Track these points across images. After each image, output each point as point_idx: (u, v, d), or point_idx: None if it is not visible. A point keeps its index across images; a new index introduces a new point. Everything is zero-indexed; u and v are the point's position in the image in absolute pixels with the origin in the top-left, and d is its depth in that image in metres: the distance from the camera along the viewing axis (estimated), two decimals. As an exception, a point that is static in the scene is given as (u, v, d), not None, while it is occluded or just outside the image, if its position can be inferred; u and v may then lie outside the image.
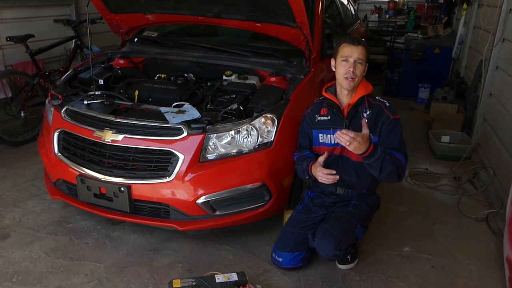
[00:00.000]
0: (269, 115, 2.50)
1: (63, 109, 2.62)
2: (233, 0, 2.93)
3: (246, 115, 2.63)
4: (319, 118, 2.46)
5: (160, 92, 2.85)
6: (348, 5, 5.31)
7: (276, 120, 2.50)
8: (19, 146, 4.18)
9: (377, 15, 8.13)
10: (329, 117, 2.43)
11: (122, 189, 2.38)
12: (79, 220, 2.93)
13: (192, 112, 2.48)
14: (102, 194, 2.45)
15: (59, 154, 2.60)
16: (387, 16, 8.21)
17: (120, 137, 2.39)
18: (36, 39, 4.30)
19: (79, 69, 3.22)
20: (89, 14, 2.80)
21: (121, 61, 3.36)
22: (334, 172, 2.27)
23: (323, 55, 3.32)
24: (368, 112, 2.36)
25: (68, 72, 3.16)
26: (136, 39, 3.63)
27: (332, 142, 2.39)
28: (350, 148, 2.14)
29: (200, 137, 2.38)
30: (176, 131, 2.37)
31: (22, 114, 4.16)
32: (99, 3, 3.24)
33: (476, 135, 4.30)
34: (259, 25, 3.04)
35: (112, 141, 2.40)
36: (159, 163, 2.38)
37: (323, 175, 2.27)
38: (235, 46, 3.26)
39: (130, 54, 3.44)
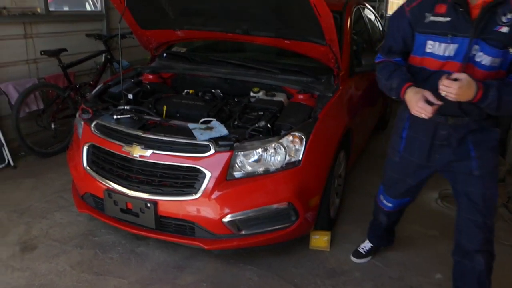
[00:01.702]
0: (297, 134, 2.47)
1: (93, 123, 2.65)
2: (262, 17, 2.93)
3: (274, 132, 2.61)
4: (432, 18, 1.83)
5: (187, 108, 2.86)
6: (375, 21, 5.26)
7: (304, 139, 2.47)
8: (49, 157, 4.26)
9: (404, 31, 8.03)
10: (448, 18, 1.80)
11: (149, 205, 2.37)
12: (105, 234, 2.94)
13: (219, 129, 2.47)
14: (129, 209, 2.45)
15: (88, 167, 2.62)
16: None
17: (148, 152, 2.39)
18: (68, 53, 4.41)
19: (109, 83, 3.27)
20: (120, 29, 2.85)
21: (150, 76, 3.40)
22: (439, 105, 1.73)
23: (352, 72, 3.28)
24: (510, 17, 1.72)
25: (99, 86, 3.21)
26: (165, 55, 3.67)
27: (446, 54, 1.80)
28: (450, 97, 1.68)
29: (227, 154, 2.36)
30: (204, 148, 2.36)
31: (53, 126, 4.25)
32: (130, 19, 3.30)
33: (510, 157, 4.15)
34: (288, 42, 3.03)
35: (140, 156, 2.40)
36: (186, 180, 2.37)
37: (425, 110, 1.73)
38: (263, 63, 3.26)
39: (159, 69, 3.48)
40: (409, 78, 1.88)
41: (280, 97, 2.97)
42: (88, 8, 5.38)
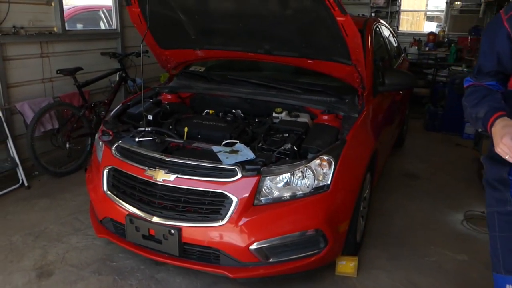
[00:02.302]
0: (325, 157, 2.38)
1: (114, 146, 2.58)
2: (286, 37, 2.87)
3: (300, 155, 2.53)
4: None
5: (209, 129, 2.79)
6: (390, 36, 5.20)
7: (333, 162, 2.38)
8: (63, 176, 4.20)
9: (416, 47, 7.98)
10: None
11: (172, 231, 2.28)
12: (123, 258, 2.85)
13: (245, 153, 2.39)
14: (151, 235, 2.37)
15: (108, 192, 2.54)
16: (427, 48, 8.04)
17: (172, 177, 2.31)
18: (84, 71, 4.38)
19: (128, 103, 3.21)
20: (135, 47, 2.80)
21: (169, 96, 3.35)
22: None
23: (375, 92, 3.20)
24: None
25: (118, 107, 3.16)
26: (183, 74, 3.63)
27: None
28: None
29: (254, 179, 2.27)
30: (230, 173, 2.28)
31: (67, 145, 4.19)
32: (150, 39, 3.26)
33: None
34: (311, 61, 2.96)
35: (164, 181, 2.32)
36: (212, 206, 2.28)
37: (510, 150, 1.30)
38: (284, 82, 3.19)
39: (177, 89, 3.42)
40: (501, 107, 1.46)
41: (304, 118, 2.89)
42: (103, 27, 5.38)
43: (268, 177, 2.30)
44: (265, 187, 2.31)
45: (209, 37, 3.19)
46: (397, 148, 5.17)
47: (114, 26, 5.17)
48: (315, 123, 2.80)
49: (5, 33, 3.77)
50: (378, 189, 4.03)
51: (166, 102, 3.28)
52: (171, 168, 2.34)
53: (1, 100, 3.84)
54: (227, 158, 2.34)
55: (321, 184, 2.35)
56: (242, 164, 2.29)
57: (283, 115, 2.96)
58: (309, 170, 2.34)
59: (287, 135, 2.66)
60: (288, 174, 2.32)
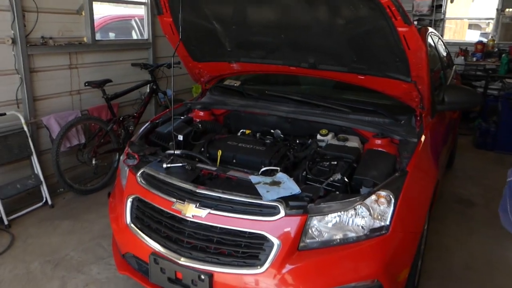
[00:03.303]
0: (383, 193, 2.01)
1: (139, 172, 2.29)
2: (334, 50, 2.53)
3: (352, 188, 2.16)
4: None
5: (245, 153, 2.47)
6: (441, 47, 4.74)
7: (392, 199, 2.00)
8: (88, 194, 3.99)
9: (463, 57, 7.43)
10: None
11: (203, 277, 1.96)
12: (147, 296, 2.55)
13: (289, 185, 2.05)
14: (178, 279, 2.05)
15: (132, 225, 2.25)
16: (474, 59, 7.48)
17: (203, 213, 1.99)
18: (113, 83, 4.18)
19: (157, 121, 2.94)
20: (167, 57, 2.52)
21: (201, 113, 3.06)
22: None
23: (433, 111, 2.80)
24: None
25: (145, 125, 2.88)
26: (216, 88, 3.33)
27: None
28: None
29: (300, 219, 1.92)
30: (271, 210, 1.94)
31: (94, 162, 3.97)
32: (182, 51, 2.99)
33: None
34: (362, 77, 2.60)
35: (194, 217, 2.01)
36: (249, 249, 1.95)
37: None
38: (330, 100, 2.84)
39: (210, 105, 3.13)
40: None
41: (354, 142, 2.53)
42: (135, 37, 5.19)
43: (317, 217, 1.94)
44: (312, 228, 1.95)
45: (246, 49, 2.88)
46: (446, 169, 4.70)
47: (145, 36, 4.97)
48: (368, 149, 2.43)
49: (33, 44, 3.60)
50: (430, 218, 3.59)
51: (198, 120, 2.98)
52: (202, 202, 2.03)
53: (27, 114, 3.66)
54: (267, 191, 2.00)
55: (378, 225, 1.97)
56: (285, 200, 1.95)
57: (329, 137, 2.61)
58: (364, 208, 1.98)
59: (335, 163, 2.30)
60: (340, 212, 1.96)
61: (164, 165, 2.27)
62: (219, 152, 2.49)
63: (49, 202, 3.72)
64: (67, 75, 3.98)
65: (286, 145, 2.64)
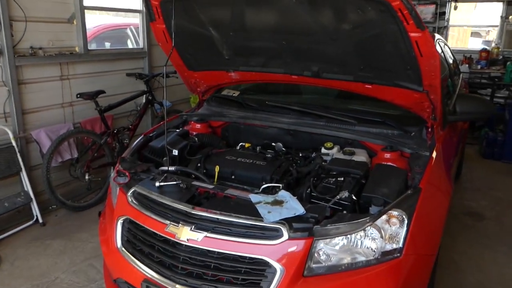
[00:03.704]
0: (395, 212, 1.83)
1: (130, 191, 2.12)
2: (339, 57, 2.37)
3: (360, 207, 1.99)
4: None
5: (245, 169, 2.30)
6: (448, 54, 4.60)
7: (405, 219, 1.83)
8: (82, 211, 3.81)
9: (467, 65, 7.29)
10: None
11: (199, 306, 1.78)
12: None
13: (292, 205, 1.87)
14: (173, 308, 1.87)
15: (123, 249, 2.07)
16: (479, 66, 7.35)
17: (199, 236, 1.82)
18: (107, 94, 4.02)
19: (150, 135, 2.77)
20: (163, 67, 2.37)
21: (198, 126, 2.89)
22: None
23: (445, 123, 2.64)
24: None
25: (138, 140, 2.71)
26: (214, 99, 3.17)
27: None
28: None
29: (305, 242, 1.75)
30: (274, 233, 1.77)
31: (87, 177, 3.80)
32: (177, 59, 2.84)
33: None
34: (369, 87, 2.44)
35: (189, 240, 1.83)
36: (250, 276, 1.76)
37: None
38: (334, 110, 2.67)
39: (208, 117, 2.96)
40: None
41: (361, 156, 2.36)
42: (131, 46, 5.04)
43: (324, 240, 1.77)
44: (319, 252, 1.77)
45: (245, 57, 2.72)
46: (454, 180, 4.52)
47: (141, 45, 4.82)
48: (377, 163, 2.25)
49: (21, 55, 3.44)
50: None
51: (194, 133, 2.82)
52: (198, 224, 1.85)
53: (16, 128, 3.49)
54: (269, 212, 1.82)
55: (390, 248, 1.80)
56: (288, 222, 1.78)
57: (335, 151, 2.44)
58: (375, 229, 1.80)
59: (342, 179, 2.13)
60: (350, 236, 1.78)
61: (157, 184, 2.09)
62: (217, 168, 2.32)
63: (40, 220, 3.54)
64: (58, 86, 3.82)
65: (288, 159, 2.47)
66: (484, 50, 7.46)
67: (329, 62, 2.45)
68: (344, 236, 1.78)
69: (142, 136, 2.77)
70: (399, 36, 1.97)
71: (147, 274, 1.93)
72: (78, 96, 3.77)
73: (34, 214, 3.54)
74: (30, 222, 3.51)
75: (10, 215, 3.44)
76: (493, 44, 8.11)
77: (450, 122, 2.73)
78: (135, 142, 2.71)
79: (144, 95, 4.49)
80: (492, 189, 4.57)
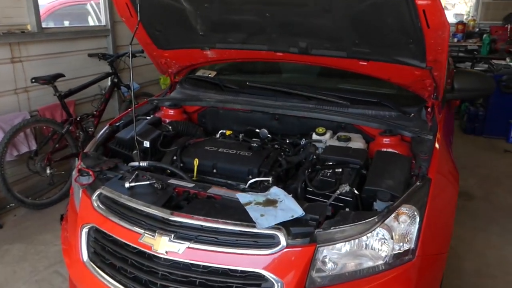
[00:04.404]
0: (405, 209, 1.60)
1: (95, 194, 1.79)
2: (331, 31, 2.08)
3: (363, 202, 1.75)
4: None
5: (228, 161, 2.01)
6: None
7: (417, 215, 1.60)
8: (44, 208, 3.44)
9: (443, 38, 7.16)
10: None
11: (184, 331, 1.51)
12: None
13: (287, 205, 1.61)
14: (152, 332, 1.59)
15: (90, 262, 1.76)
16: (455, 39, 7.22)
17: (180, 247, 1.53)
18: (67, 77, 3.61)
19: (117, 124, 2.43)
20: (127, 46, 2.03)
21: (171, 112, 2.57)
22: None
23: (443, 101, 2.42)
24: None
25: (102, 131, 2.37)
26: (188, 81, 2.84)
27: None
28: None
29: (307, 250, 1.49)
30: (269, 241, 1.50)
31: (48, 171, 3.43)
32: (144, 37, 2.49)
33: None
34: (364, 63, 2.17)
35: (168, 253, 1.54)
36: (243, 292, 1.50)
37: None
38: (325, 91, 2.41)
39: (182, 102, 2.64)
40: None
41: (358, 142, 2.11)
42: (91, 23, 4.57)
43: (327, 247, 1.52)
44: (322, 259, 1.53)
45: (222, 32, 2.40)
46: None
47: (103, 22, 4.37)
48: (377, 150, 2.01)
49: (-39, 34, 2.99)
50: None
51: (167, 121, 2.49)
52: (178, 233, 1.55)
53: (-39, 119, 3.06)
54: (262, 215, 1.55)
55: (401, 249, 1.57)
56: (285, 226, 1.51)
57: (327, 137, 2.18)
58: (384, 229, 1.56)
59: (340, 170, 1.87)
60: (356, 239, 1.54)
61: (127, 184, 1.78)
62: (196, 161, 2.02)
63: (-4, 221, 3.17)
64: (9, 70, 3.38)
65: (276, 148, 2.20)
66: (460, 22, 7.33)
67: (319, 37, 2.17)
68: (350, 241, 1.53)
69: (108, 126, 2.42)
70: (403, 4, 1.70)
71: (119, 293, 1.64)
72: (33, 80, 3.34)
73: (-11, 215, 3.16)
74: (-15, 225, 3.13)
75: (-39, 217, 3.05)
76: (468, 17, 8.01)
77: (448, 100, 2.51)
78: (99, 134, 2.37)
79: (109, 78, 4.09)
80: (478, 167, 4.47)
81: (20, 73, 3.46)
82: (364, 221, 1.54)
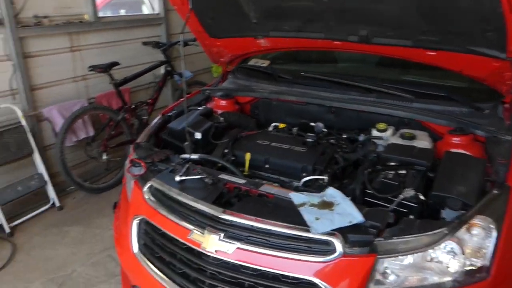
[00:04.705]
0: (478, 221, 1.43)
1: (146, 186, 1.77)
2: (396, 17, 1.91)
3: (429, 209, 1.59)
4: None
5: (281, 156, 1.93)
6: None
7: (494, 229, 1.42)
8: (101, 193, 3.55)
9: None
10: None
11: (231, 333, 1.46)
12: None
13: (345, 208, 1.49)
14: (200, 331, 1.56)
15: (140, 255, 1.75)
16: None
17: (230, 248, 1.47)
18: (122, 66, 3.66)
19: (169, 114, 2.40)
20: (183, 35, 1.98)
21: (223, 102, 2.51)
22: None
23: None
24: None
25: (154, 121, 2.36)
26: (240, 70, 2.76)
27: None
28: None
29: (365, 260, 1.38)
30: (324, 247, 1.40)
31: (104, 157, 3.52)
32: (196, 25, 2.43)
33: None
34: (433, 54, 1.98)
35: (218, 252, 1.49)
36: (294, 300, 1.42)
37: None
38: (387, 83, 2.24)
39: (234, 92, 2.57)
40: None
41: (424, 141, 1.93)
42: (145, 12, 4.61)
43: (389, 259, 1.39)
44: (382, 273, 1.40)
45: (277, 19, 2.29)
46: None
47: (157, 10, 4.38)
48: (446, 151, 1.82)
49: (24, 25, 3.09)
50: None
51: (219, 112, 2.44)
52: (228, 232, 1.49)
53: (25, 106, 3.19)
54: (317, 219, 1.45)
55: (473, 266, 1.41)
56: (342, 233, 1.40)
57: (389, 134, 2.02)
58: (453, 242, 1.41)
59: (404, 172, 1.72)
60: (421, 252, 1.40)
61: (177, 178, 1.74)
62: (248, 155, 1.95)
63: (57, 204, 3.31)
64: (69, 59, 3.48)
65: (332, 143, 2.08)
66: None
67: (381, 24, 2.00)
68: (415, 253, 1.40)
69: (160, 116, 2.41)
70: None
71: (167, 287, 1.61)
72: (91, 69, 3.42)
73: (50, 197, 3.29)
74: (47, 206, 3.28)
75: (25, 198, 3.20)
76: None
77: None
78: (151, 123, 2.36)
79: (163, 66, 4.11)
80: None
81: (78, 62, 3.55)
82: (431, 232, 1.40)
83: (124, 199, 2.05)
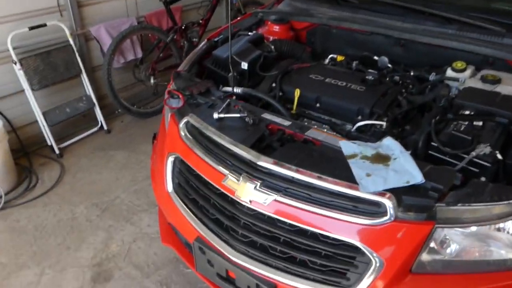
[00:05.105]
0: None
1: (182, 122, 1.62)
2: None
3: (506, 172, 1.32)
4: None
5: (335, 95, 1.69)
6: None
7: None
8: (148, 117, 3.51)
9: None
10: None
11: (263, 286, 1.36)
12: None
13: (403, 165, 1.26)
14: (231, 278, 1.48)
15: (174, 194, 1.66)
16: None
17: (266, 198, 1.31)
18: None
19: (216, 39, 2.19)
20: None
21: (276, 28, 2.24)
22: None
23: None
24: None
25: (199, 47, 2.16)
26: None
27: None
28: None
29: (420, 228, 1.17)
30: (373, 209, 1.21)
31: (152, 81, 3.42)
32: None
33: None
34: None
35: (252, 202, 1.34)
36: (333, 263, 1.27)
37: None
38: (471, 12, 1.84)
39: (290, 16, 2.27)
40: None
41: (510, 86, 1.59)
42: None
43: (449, 229, 1.18)
44: (439, 242, 1.20)
45: None
46: None
47: None
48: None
49: None
50: None
51: (271, 39, 2.18)
52: (265, 181, 1.33)
53: (72, 24, 3.08)
54: (367, 175, 1.24)
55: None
56: (396, 194, 1.19)
57: (468, 75, 1.68)
58: (531, 215, 1.16)
59: (480, 123, 1.43)
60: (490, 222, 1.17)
61: (216, 115, 1.57)
62: (297, 92, 1.73)
63: (105, 127, 3.31)
64: (118, -30, 3.27)
65: (396, 82, 1.79)
66: None
67: None
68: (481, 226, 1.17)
69: (206, 40, 2.20)
70: None
71: (200, 232, 1.52)
72: (139, -16, 3.21)
73: (99, 120, 3.29)
74: (95, 129, 3.29)
75: (75, 120, 3.22)
76: None
77: None
78: (195, 49, 2.16)
79: (217, -18, 3.79)
80: None
81: (128, -25, 3.34)
82: (507, 202, 1.15)
83: (162, 132, 1.94)
